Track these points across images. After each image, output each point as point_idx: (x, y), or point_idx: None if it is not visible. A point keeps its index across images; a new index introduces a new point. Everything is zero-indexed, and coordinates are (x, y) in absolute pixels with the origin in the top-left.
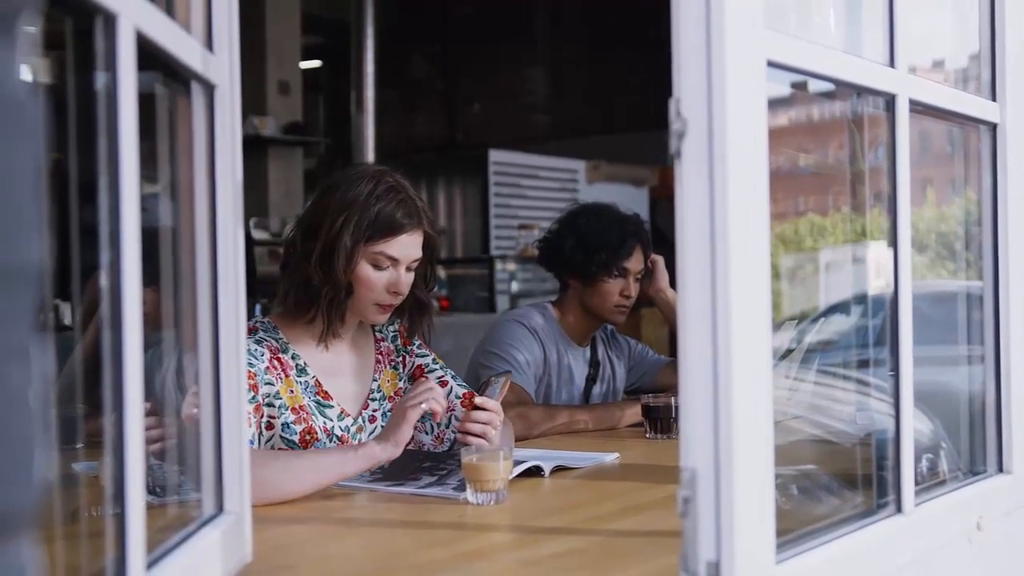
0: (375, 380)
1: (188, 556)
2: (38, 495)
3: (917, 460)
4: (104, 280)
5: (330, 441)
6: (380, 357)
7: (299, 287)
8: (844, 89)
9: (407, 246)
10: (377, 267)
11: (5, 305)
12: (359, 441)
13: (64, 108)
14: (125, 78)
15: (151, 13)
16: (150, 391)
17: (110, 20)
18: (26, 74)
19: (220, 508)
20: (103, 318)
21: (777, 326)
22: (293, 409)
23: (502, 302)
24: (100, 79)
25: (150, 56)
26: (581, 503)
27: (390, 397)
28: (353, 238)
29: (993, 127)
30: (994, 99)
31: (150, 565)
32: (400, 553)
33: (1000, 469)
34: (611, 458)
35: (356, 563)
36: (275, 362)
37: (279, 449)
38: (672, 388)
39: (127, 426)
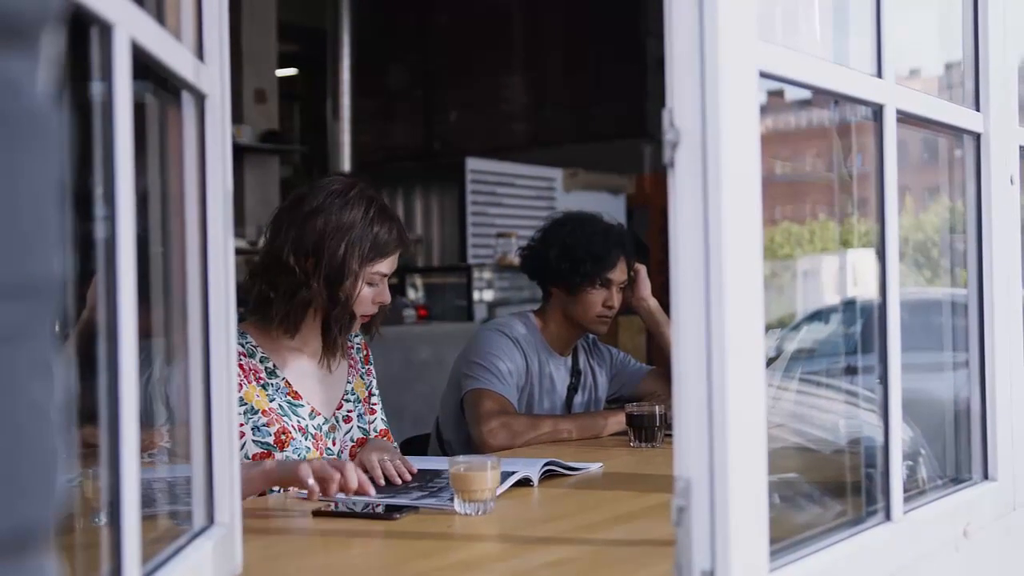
0: (349, 383)
1: (180, 568)
2: (59, 511)
3: None
4: (100, 290)
5: (305, 439)
6: (352, 362)
7: (299, 309)
8: (822, 97)
9: (394, 261)
10: (371, 284)
11: (28, 318)
12: (333, 440)
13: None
14: (121, 87)
15: (146, 23)
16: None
17: (106, 30)
18: (48, 88)
19: (211, 520)
20: (90, 327)
21: None
22: (263, 412)
23: (480, 311)
24: (95, 88)
25: (142, 65)
26: (569, 512)
27: (363, 400)
28: (359, 263)
29: (977, 136)
30: (978, 109)
31: None
32: (390, 564)
33: (985, 476)
34: (596, 467)
35: (345, 574)
36: (238, 368)
37: (252, 455)
38: (654, 396)
39: (122, 438)
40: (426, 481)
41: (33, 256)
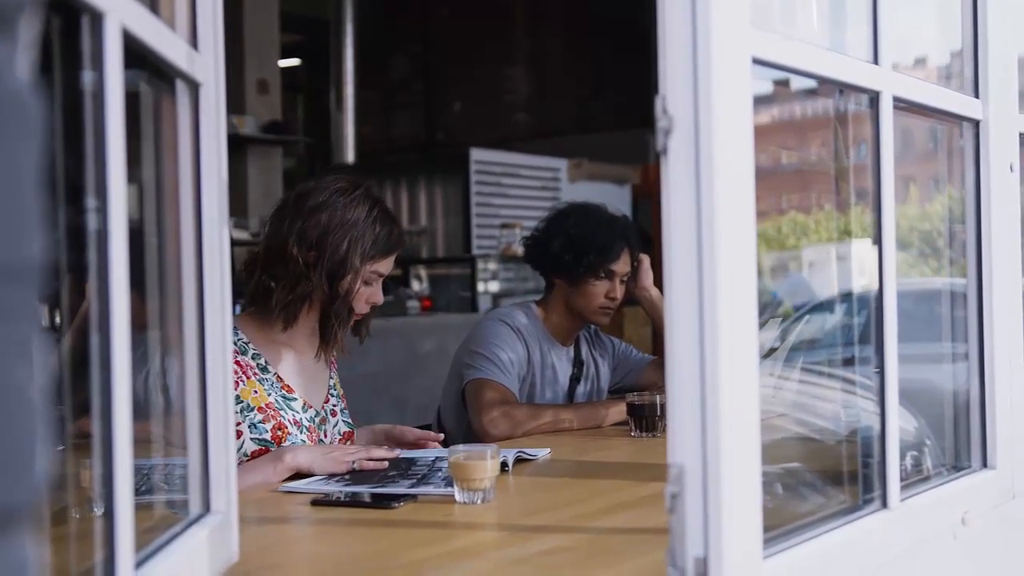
0: (331, 378)
1: (176, 556)
2: (40, 492)
3: (901, 457)
4: (91, 282)
5: (300, 432)
6: (333, 358)
7: (299, 300)
8: (826, 87)
9: (391, 263)
10: (367, 283)
11: (9, 301)
12: (324, 433)
13: (48, 107)
14: (112, 77)
15: (137, 11)
16: (133, 392)
17: (97, 18)
18: (27, 73)
19: (207, 508)
20: (88, 320)
21: (761, 324)
22: (259, 409)
23: (484, 302)
24: (86, 78)
25: (135, 54)
26: (567, 501)
27: (341, 397)
28: (361, 261)
29: (976, 123)
30: (977, 96)
31: (138, 564)
32: (387, 552)
33: (984, 464)
34: (544, 452)
35: (343, 563)
36: (234, 365)
37: (251, 452)
38: (656, 386)
39: (115, 427)
40: (405, 470)
41: (12, 240)
